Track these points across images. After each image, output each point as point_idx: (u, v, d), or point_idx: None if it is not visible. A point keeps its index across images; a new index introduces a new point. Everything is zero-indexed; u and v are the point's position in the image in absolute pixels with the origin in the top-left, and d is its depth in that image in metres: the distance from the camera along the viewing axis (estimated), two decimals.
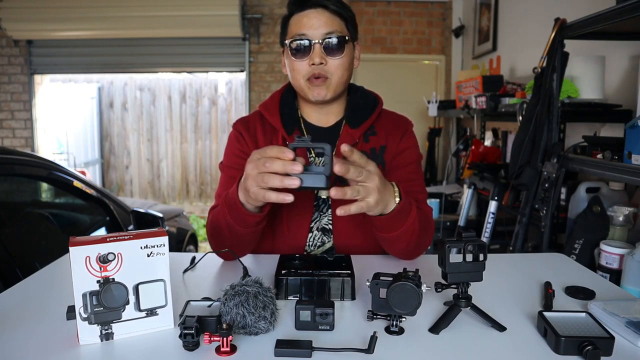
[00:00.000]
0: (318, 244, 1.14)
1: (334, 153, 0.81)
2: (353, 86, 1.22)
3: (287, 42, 1.09)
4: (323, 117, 1.17)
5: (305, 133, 1.16)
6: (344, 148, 0.80)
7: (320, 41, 1.05)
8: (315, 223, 1.14)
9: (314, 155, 1.15)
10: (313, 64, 1.05)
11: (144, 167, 6.30)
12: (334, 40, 1.06)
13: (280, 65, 1.17)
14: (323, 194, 1.14)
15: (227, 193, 0.97)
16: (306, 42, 1.05)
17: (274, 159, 0.80)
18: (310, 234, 1.13)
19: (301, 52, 1.06)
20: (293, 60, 1.08)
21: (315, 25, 1.05)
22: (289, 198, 0.82)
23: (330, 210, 1.13)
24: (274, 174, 0.80)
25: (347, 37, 1.08)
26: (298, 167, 0.79)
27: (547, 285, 0.89)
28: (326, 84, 1.08)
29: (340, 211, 0.83)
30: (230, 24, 4.47)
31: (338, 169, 0.79)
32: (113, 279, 0.70)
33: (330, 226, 1.13)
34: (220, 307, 0.72)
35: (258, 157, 0.83)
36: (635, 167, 1.35)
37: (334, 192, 0.81)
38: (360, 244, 1.13)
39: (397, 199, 0.91)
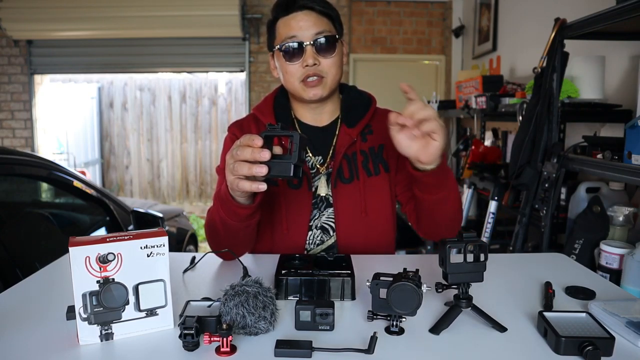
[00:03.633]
0: (317, 242, 1.14)
1: (300, 141, 0.82)
2: (345, 86, 1.22)
3: (277, 46, 1.08)
4: (317, 116, 1.18)
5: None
6: (404, 87, 0.84)
7: (311, 42, 1.06)
8: (314, 221, 1.14)
9: (310, 155, 1.15)
10: (307, 66, 1.06)
11: (144, 167, 6.30)
12: (325, 40, 1.06)
13: (273, 73, 1.18)
14: (322, 192, 1.14)
15: (220, 189, 0.98)
16: (297, 45, 1.06)
17: (245, 147, 0.81)
18: (310, 232, 1.13)
19: (293, 54, 1.07)
20: (286, 63, 1.08)
21: (304, 26, 1.05)
22: (262, 186, 0.83)
23: (331, 209, 1.13)
24: (245, 161, 0.81)
25: (337, 36, 1.09)
26: (265, 154, 0.79)
27: (547, 285, 0.89)
28: (322, 83, 1.09)
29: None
30: (230, 24, 4.47)
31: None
32: (113, 279, 0.70)
33: (330, 224, 1.13)
34: (220, 307, 0.72)
35: (234, 147, 0.84)
36: (635, 167, 1.35)
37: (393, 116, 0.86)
38: (363, 242, 1.13)
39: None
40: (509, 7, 3.40)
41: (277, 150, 0.83)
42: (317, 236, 1.14)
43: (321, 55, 1.07)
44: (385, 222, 1.17)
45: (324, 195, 1.14)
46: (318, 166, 1.15)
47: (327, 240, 1.14)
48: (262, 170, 0.80)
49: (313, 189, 1.14)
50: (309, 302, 0.75)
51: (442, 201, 1.01)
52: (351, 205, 1.13)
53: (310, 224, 1.14)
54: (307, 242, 1.13)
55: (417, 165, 0.93)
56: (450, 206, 1.03)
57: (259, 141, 0.80)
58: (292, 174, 0.81)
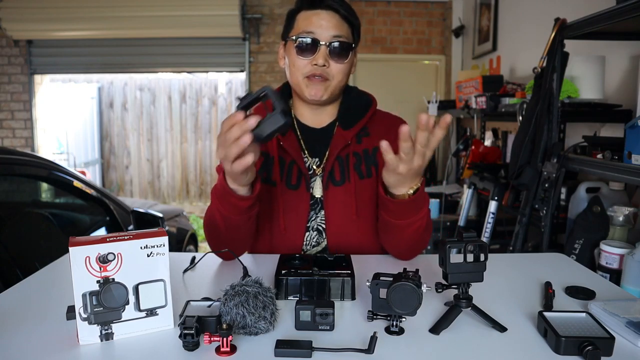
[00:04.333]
0: (313, 243, 1.14)
1: (273, 92, 0.83)
2: (347, 87, 1.22)
3: (293, 37, 1.08)
4: (317, 117, 1.18)
5: (298, 133, 1.16)
6: (422, 119, 0.82)
7: (327, 43, 1.06)
8: (311, 222, 1.14)
9: (308, 156, 1.15)
10: (316, 64, 1.06)
11: (144, 167, 6.30)
12: (340, 45, 1.06)
13: (280, 62, 1.17)
14: (317, 193, 1.13)
15: (216, 185, 0.98)
16: (312, 41, 1.06)
17: (231, 129, 0.81)
18: (307, 233, 1.13)
19: (306, 50, 1.07)
20: (296, 56, 1.08)
21: (324, 25, 1.06)
22: (249, 158, 0.82)
23: (323, 211, 1.13)
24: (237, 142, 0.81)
25: (352, 45, 1.09)
26: (251, 121, 0.80)
27: (547, 285, 0.89)
28: (325, 85, 1.08)
29: (383, 144, 0.86)
30: (230, 24, 4.47)
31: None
32: (113, 279, 0.70)
33: (324, 226, 1.13)
34: (220, 307, 0.72)
35: (219, 137, 0.84)
36: (635, 167, 1.35)
37: (385, 145, 0.85)
38: (354, 244, 1.13)
39: (412, 191, 0.94)
40: (509, 7, 3.40)
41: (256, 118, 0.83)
42: (314, 237, 1.14)
43: (333, 58, 1.07)
44: (376, 225, 1.17)
45: (319, 197, 1.14)
46: (314, 167, 1.15)
47: (321, 242, 1.14)
48: (247, 138, 0.80)
49: (310, 190, 1.14)
50: (309, 302, 0.75)
51: (400, 229, 1.00)
52: (342, 208, 1.12)
53: (308, 225, 1.13)
54: (305, 243, 1.13)
55: (391, 190, 0.95)
56: (410, 235, 1.01)
57: (240, 115, 0.80)
58: (284, 121, 0.81)
